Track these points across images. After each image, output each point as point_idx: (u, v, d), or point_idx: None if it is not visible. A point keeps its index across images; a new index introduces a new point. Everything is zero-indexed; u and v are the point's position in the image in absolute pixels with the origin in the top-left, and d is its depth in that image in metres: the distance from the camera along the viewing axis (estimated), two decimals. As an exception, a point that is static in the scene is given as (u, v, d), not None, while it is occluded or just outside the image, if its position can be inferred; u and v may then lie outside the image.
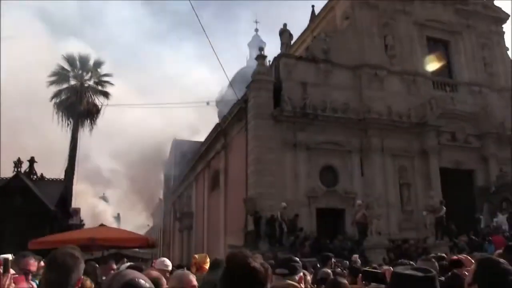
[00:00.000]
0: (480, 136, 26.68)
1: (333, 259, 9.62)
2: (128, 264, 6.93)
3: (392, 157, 24.38)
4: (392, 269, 3.37)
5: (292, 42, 27.49)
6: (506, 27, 31.09)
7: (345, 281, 4.46)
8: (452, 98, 26.81)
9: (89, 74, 28.69)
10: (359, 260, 14.03)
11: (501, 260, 2.86)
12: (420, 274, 1.98)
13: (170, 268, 6.24)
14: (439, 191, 23.57)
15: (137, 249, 19.99)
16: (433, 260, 4.50)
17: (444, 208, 20.49)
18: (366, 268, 3.14)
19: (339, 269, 9.31)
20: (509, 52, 31.07)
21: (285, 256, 3.58)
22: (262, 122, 22.82)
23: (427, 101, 25.55)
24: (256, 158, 22.45)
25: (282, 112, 22.79)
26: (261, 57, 24.35)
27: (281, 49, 24.73)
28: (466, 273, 2.90)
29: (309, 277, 5.80)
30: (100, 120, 28.90)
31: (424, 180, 24.68)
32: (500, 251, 5.72)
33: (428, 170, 24.77)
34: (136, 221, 59.79)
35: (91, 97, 28.33)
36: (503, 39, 31.13)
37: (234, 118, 26.40)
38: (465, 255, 4.43)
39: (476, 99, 27.90)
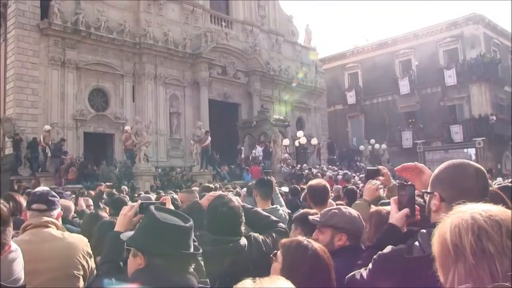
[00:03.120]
0: (247, 72, 28.67)
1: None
2: None
3: (165, 85, 24.56)
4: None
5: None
6: None
7: (105, 214, 4.40)
8: (226, 33, 27.97)
9: None
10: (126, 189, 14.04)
11: (223, 194, 3.17)
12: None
13: None
14: (207, 122, 24.71)
15: None
16: (195, 192, 4.72)
17: (210, 138, 21.48)
18: (143, 200, 3.04)
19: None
20: None
21: (43, 190, 3.27)
22: (25, 33, 20.40)
23: (203, 33, 26.11)
24: (17, 74, 20.14)
25: (50, 25, 20.65)
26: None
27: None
28: None
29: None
30: None
31: (194, 110, 25.61)
32: (254, 181, 6.33)
33: (198, 100, 25.69)
34: None
35: None
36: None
37: (-13, 22, 22.92)
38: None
39: (248, 38, 29.70)
